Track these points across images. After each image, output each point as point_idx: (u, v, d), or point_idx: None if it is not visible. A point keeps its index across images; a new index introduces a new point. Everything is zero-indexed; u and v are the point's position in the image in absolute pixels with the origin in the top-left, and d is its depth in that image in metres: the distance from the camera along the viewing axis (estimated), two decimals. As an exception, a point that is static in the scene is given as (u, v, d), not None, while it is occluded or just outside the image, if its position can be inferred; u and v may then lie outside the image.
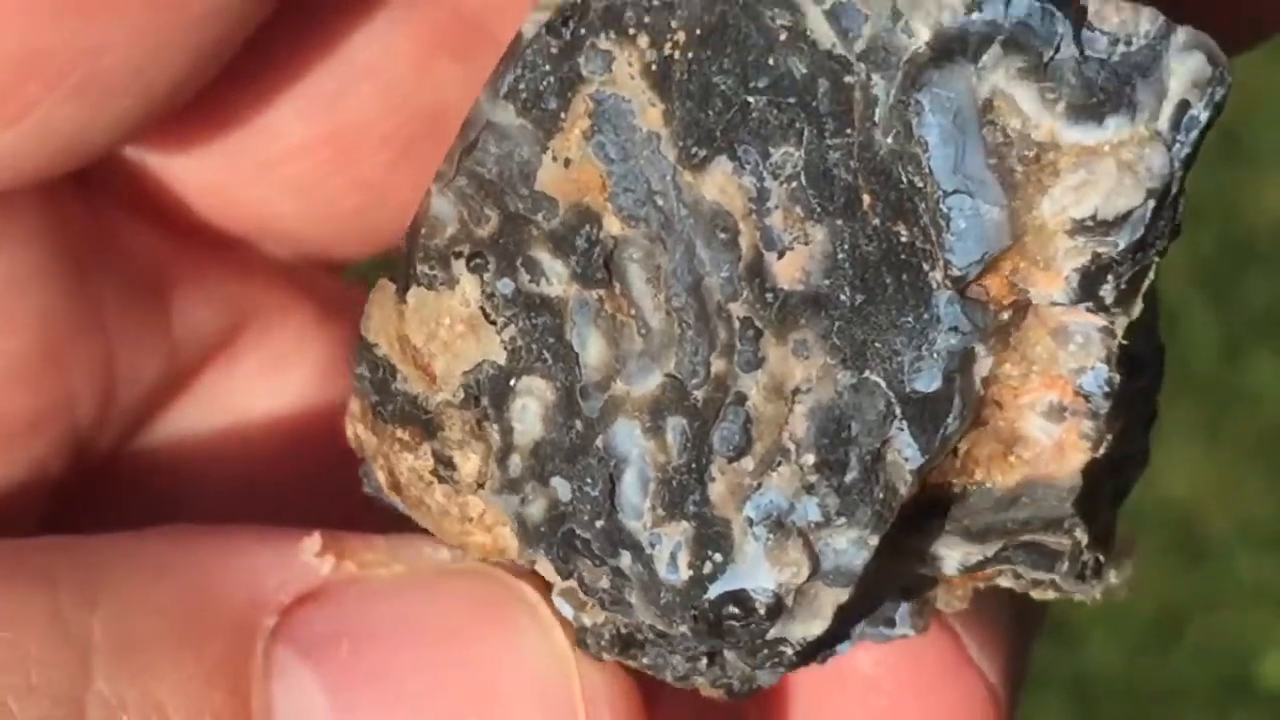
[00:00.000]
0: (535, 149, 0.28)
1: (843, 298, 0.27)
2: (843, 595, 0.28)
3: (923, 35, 0.26)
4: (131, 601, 0.26)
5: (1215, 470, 1.30)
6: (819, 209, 0.27)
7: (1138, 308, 0.27)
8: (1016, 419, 0.28)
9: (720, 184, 0.27)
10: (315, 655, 0.26)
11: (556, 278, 0.28)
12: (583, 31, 0.27)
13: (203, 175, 0.35)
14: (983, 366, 0.27)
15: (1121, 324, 0.27)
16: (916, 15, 0.26)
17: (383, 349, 0.29)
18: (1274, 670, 1.20)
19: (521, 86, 0.27)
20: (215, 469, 0.35)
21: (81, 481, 0.33)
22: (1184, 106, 0.26)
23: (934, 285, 0.27)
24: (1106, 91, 0.26)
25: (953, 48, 0.26)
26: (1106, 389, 0.27)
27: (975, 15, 0.26)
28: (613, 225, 0.28)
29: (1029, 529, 0.29)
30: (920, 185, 0.26)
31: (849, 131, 0.27)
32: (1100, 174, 0.26)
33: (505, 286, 0.28)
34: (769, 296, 0.27)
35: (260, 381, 0.35)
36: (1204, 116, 0.26)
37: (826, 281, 0.27)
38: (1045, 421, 0.28)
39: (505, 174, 0.28)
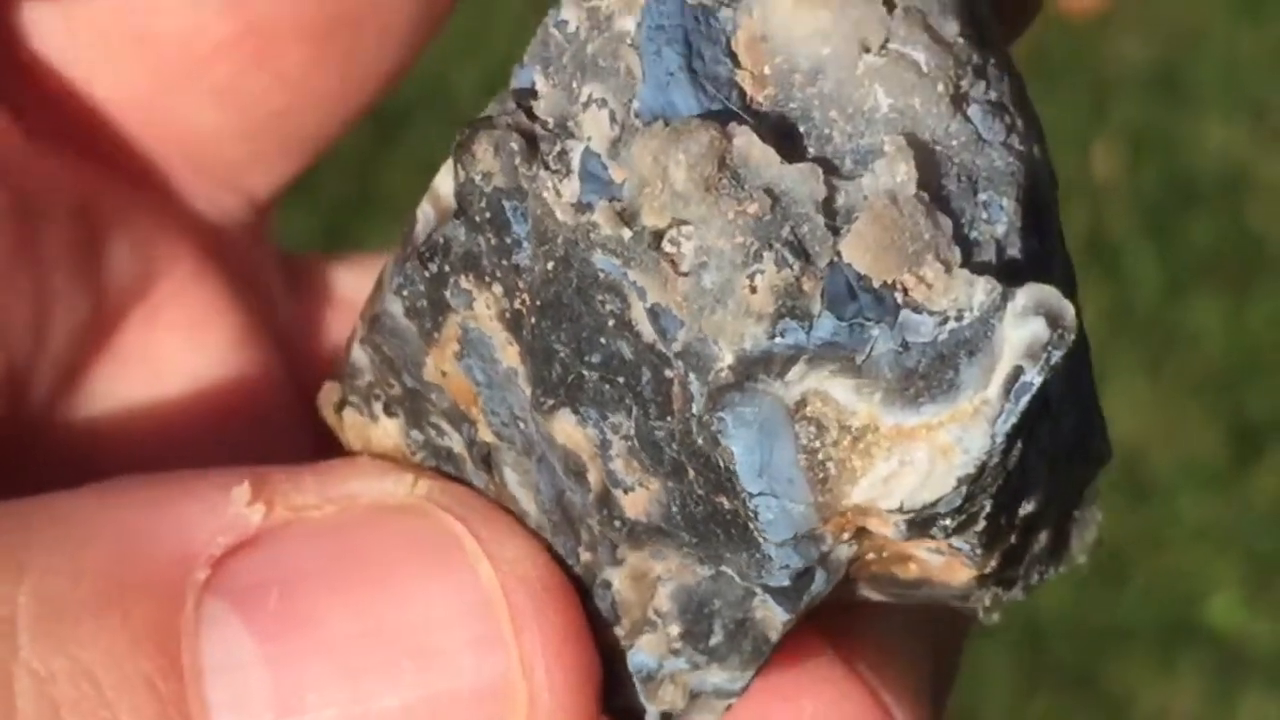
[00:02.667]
0: (419, 350, 0.29)
1: (683, 535, 0.27)
2: (732, 700, 0.29)
3: (726, 358, 0.25)
4: (59, 568, 0.26)
5: (1158, 410, 1.30)
6: (652, 468, 0.27)
7: (981, 523, 0.27)
8: (901, 550, 0.28)
9: (567, 431, 0.27)
10: (245, 604, 0.26)
11: (455, 441, 0.29)
12: (446, 269, 0.28)
13: (128, 92, 0.34)
14: (845, 550, 0.27)
15: (971, 537, 0.27)
16: (721, 338, 0.25)
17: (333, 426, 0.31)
18: (1220, 611, 1.21)
19: (405, 293, 0.28)
20: (136, 427, 0.34)
21: (13, 437, 0.33)
22: (1017, 373, 0.25)
23: (761, 540, 0.27)
24: (926, 379, 0.25)
25: (755, 370, 0.25)
26: (977, 549, 0.27)
27: (777, 340, 0.25)
28: (486, 434, 0.29)
29: (939, 601, 0.30)
30: (734, 470, 0.26)
31: (669, 419, 0.26)
32: (910, 464, 0.25)
33: (416, 435, 0.30)
34: (617, 523, 0.28)
35: (180, 339, 0.35)
36: (1037, 381, 0.25)
37: (665, 523, 0.27)
38: (930, 554, 0.28)
39: (400, 358, 0.29)
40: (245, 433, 0.34)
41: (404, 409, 0.29)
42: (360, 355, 0.29)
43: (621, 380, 0.27)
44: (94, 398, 0.34)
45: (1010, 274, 0.25)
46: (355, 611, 0.26)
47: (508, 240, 0.27)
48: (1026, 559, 0.29)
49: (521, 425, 0.28)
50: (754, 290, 0.25)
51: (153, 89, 0.34)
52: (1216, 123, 1.48)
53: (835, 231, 0.25)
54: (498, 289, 0.27)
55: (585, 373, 0.27)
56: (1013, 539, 0.28)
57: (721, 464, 0.26)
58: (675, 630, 0.29)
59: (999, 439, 0.25)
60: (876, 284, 0.25)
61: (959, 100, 0.25)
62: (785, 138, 0.25)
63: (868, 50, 0.25)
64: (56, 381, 0.33)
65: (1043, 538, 0.29)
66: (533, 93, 0.27)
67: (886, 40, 0.25)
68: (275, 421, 0.35)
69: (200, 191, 0.36)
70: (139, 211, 0.35)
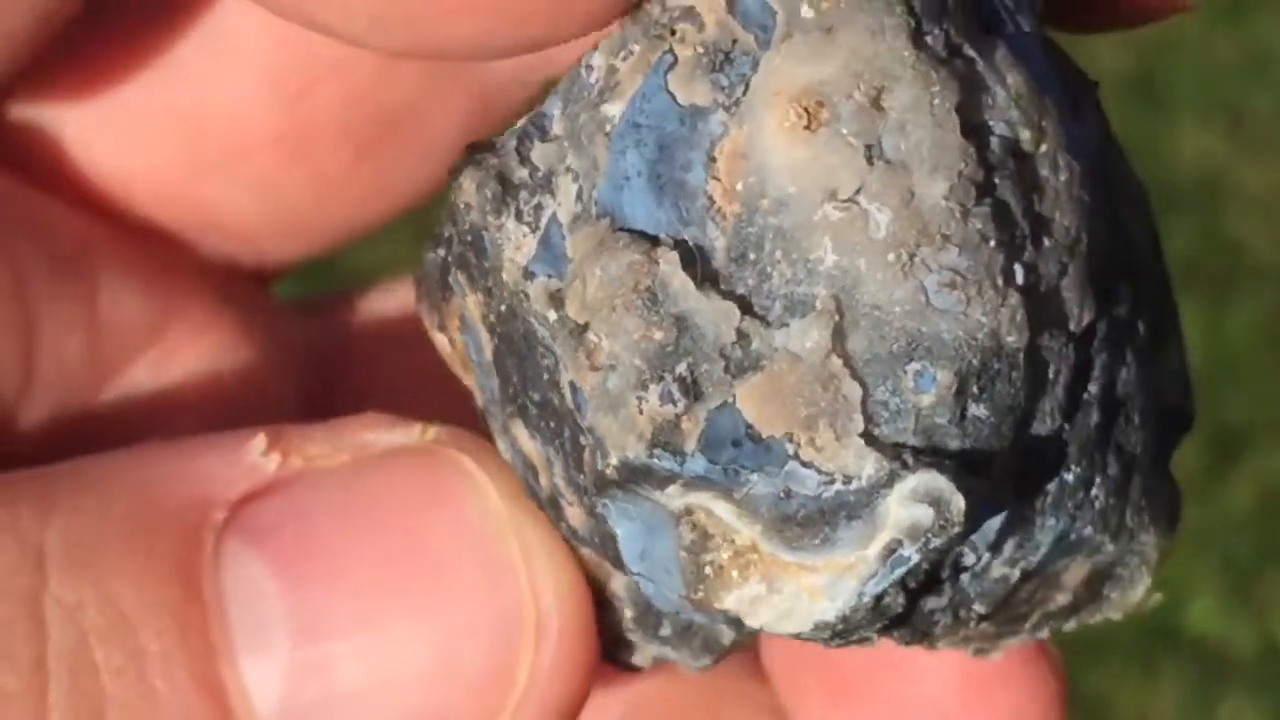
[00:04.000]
0: (440, 304, 0.29)
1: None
2: (706, 665, 0.30)
3: (612, 459, 0.26)
4: (85, 512, 0.27)
5: (1137, 417, 1.30)
6: (580, 500, 0.28)
7: (875, 640, 0.27)
8: None
9: (522, 439, 0.28)
10: (263, 542, 0.27)
11: None
12: (449, 259, 0.28)
13: (157, 170, 0.35)
14: None
15: (875, 642, 0.28)
16: (607, 439, 0.26)
17: None
18: (1199, 617, 1.21)
19: (431, 254, 0.29)
20: None
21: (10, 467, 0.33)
22: (895, 545, 0.25)
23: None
24: (803, 527, 0.25)
25: (638, 478, 0.26)
26: (901, 644, 0.28)
27: (654, 460, 0.25)
28: (478, 400, 0.29)
29: None
30: (619, 549, 0.27)
31: (583, 475, 0.27)
32: (777, 595, 0.26)
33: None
34: (563, 525, 0.28)
35: (191, 382, 0.35)
36: (915, 559, 0.25)
37: (591, 543, 0.28)
38: None
39: (434, 296, 0.30)
40: None
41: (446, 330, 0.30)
42: (418, 272, 0.30)
43: (553, 425, 0.27)
44: (98, 434, 0.34)
45: (927, 446, 0.25)
46: (369, 541, 0.27)
47: (485, 264, 0.27)
48: (1030, 621, 0.29)
49: (499, 409, 0.29)
50: (640, 412, 0.25)
51: (186, 167, 0.35)
52: (1193, 129, 1.48)
53: (736, 374, 0.25)
54: (480, 296, 0.28)
55: (528, 404, 0.27)
56: (972, 625, 0.28)
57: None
58: (629, 614, 0.29)
59: (866, 598, 0.25)
60: (764, 434, 0.25)
61: (912, 269, 0.25)
62: (734, 261, 0.25)
63: (832, 198, 0.25)
64: (51, 418, 0.34)
65: (1059, 598, 0.29)
66: (543, 130, 0.27)
67: (858, 191, 0.25)
68: None
69: (215, 248, 0.36)
70: (149, 259, 0.35)
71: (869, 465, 0.25)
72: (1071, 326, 0.26)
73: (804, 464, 0.25)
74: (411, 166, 0.35)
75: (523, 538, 0.27)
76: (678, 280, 0.25)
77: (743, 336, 0.25)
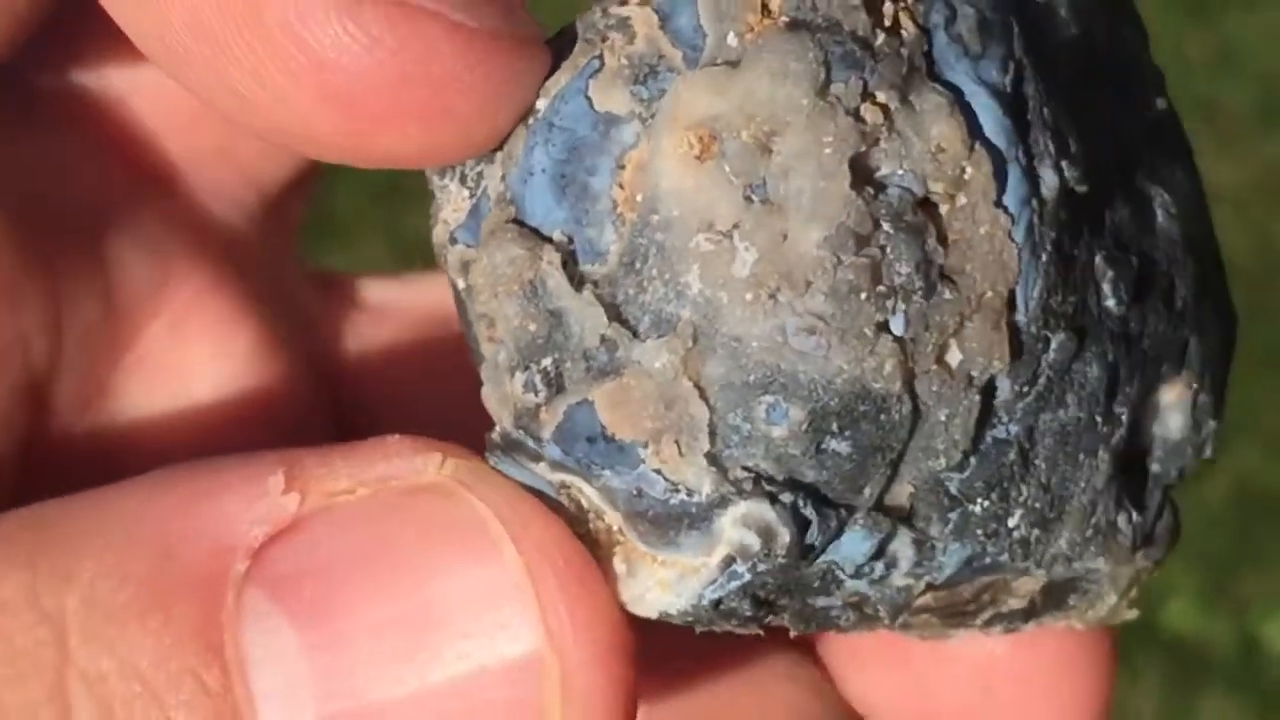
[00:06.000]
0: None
1: None
2: None
3: (497, 426, 0.28)
4: (104, 571, 0.27)
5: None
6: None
7: (752, 628, 0.28)
8: None
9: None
10: (284, 595, 0.27)
11: None
12: (433, 197, 0.29)
13: (173, 91, 0.34)
14: None
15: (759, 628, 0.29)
16: (491, 401, 0.28)
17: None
18: (1177, 616, 1.21)
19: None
20: (164, 437, 0.35)
21: (41, 448, 0.33)
22: (730, 560, 0.27)
23: None
24: (653, 525, 0.27)
25: (514, 448, 0.27)
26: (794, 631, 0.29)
27: (522, 438, 0.27)
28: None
29: None
30: None
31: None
32: (633, 578, 0.27)
33: None
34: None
35: (203, 349, 0.35)
36: (746, 577, 0.27)
37: None
38: None
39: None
40: (269, 441, 0.34)
41: None
42: None
43: (480, 377, 0.28)
44: (120, 409, 0.34)
45: (783, 474, 0.26)
46: (388, 597, 0.27)
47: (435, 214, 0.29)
48: (981, 618, 0.29)
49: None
50: (511, 393, 0.27)
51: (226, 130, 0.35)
52: (1165, 127, 1.48)
53: (596, 377, 0.26)
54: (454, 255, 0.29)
55: (472, 351, 0.28)
56: (885, 622, 0.28)
57: None
58: None
59: (705, 601, 0.27)
60: (617, 436, 0.26)
61: (774, 309, 0.26)
62: (623, 266, 0.26)
63: (708, 230, 0.26)
64: (78, 391, 0.34)
65: (1011, 602, 0.29)
66: None
67: (733, 228, 0.26)
68: (299, 428, 0.36)
69: (215, 189, 0.36)
70: (152, 219, 0.35)
71: (707, 484, 0.26)
72: (973, 372, 0.26)
73: (653, 470, 0.26)
74: None
75: (541, 588, 0.27)
76: (553, 280, 0.26)
77: (607, 342, 0.26)
